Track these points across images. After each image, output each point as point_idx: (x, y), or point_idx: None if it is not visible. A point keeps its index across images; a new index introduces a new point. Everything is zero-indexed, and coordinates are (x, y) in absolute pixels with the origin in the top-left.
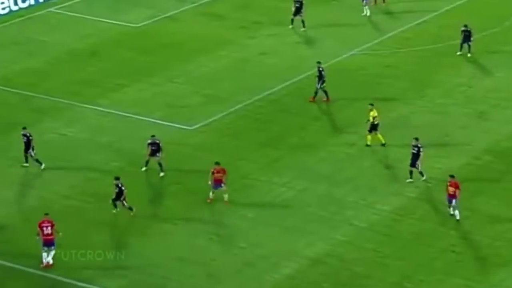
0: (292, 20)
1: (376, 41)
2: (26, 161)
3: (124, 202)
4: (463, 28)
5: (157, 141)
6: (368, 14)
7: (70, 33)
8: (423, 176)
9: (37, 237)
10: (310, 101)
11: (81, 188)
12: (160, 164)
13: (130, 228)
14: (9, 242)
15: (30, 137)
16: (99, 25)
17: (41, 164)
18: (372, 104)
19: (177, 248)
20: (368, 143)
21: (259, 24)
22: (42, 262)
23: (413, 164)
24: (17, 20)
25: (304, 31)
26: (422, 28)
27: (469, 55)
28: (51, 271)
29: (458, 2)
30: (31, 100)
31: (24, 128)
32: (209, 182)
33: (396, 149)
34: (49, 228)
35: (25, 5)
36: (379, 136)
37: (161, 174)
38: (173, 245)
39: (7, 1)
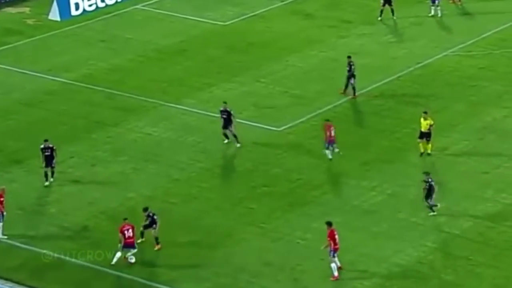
0: (381, 11)
1: (470, 42)
2: (47, 179)
3: (154, 231)
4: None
5: (228, 109)
6: (439, 14)
7: (156, 30)
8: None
9: (119, 244)
10: (341, 93)
11: (165, 189)
12: (234, 136)
13: (216, 230)
14: (92, 243)
15: (54, 149)
16: (186, 22)
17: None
18: (426, 112)
19: (263, 252)
20: (422, 150)
21: (349, 23)
22: (112, 260)
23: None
24: (103, 17)
25: (394, 20)
26: None
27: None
28: (132, 272)
29: None
30: (116, 99)
31: (46, 140)
32: None
33: (491, 154)
34: (130, 230)
35: (112, 2)
36: (429, 145)
37: (238, 145)
38: (259, 249)
39: None
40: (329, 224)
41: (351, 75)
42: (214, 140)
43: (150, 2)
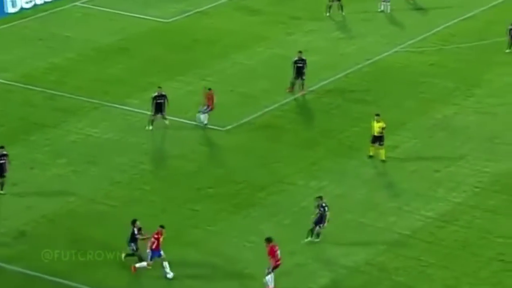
0: (329, 7)
1: (419, 38)
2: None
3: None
4: (510, 27)
5: (164, 93)
6: (388, 10)
7: (97, 28)
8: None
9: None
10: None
11: (106, 192)
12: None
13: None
14: (31, 248)
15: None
16: (128, 20)
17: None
18: (378, 115)
19: (208, 255)
20: (371, 153)
21: (297, 19)
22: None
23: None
24: (41, 14)
25: (343, 16)
26: (468, 24)
27: None
28: (70, 277)
29: None
30: (55, 99)
31: (1, 147)
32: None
33: (441, 152)
34: (160, 234)
35: None
36: (382, 151)
37: (167, 122)
38: (204, 253)
39: None
40: (268, 240)
41: (301, 72)
42: (157, 141)
43: None
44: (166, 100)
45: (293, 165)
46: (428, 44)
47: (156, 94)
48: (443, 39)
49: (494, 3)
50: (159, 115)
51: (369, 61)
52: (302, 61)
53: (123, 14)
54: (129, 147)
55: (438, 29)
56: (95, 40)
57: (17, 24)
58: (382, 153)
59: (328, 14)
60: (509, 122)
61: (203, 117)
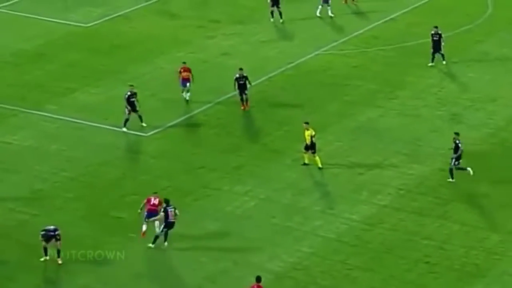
0: (272, 13)
1: (342, 40)
2: None
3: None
4: (432, 32)
5: (135, 91)
6: (330, 14)
7: (13, 34)
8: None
9: (139, 211)
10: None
11: (27, 200)
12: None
13: (83, 241)
14: None
15: None
16: (46, 25)
17: None
18: (307, 123)
19: (134, 263)
20: (306, 161)
21: (217, 22)
22: (142, 232)
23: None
24: None
25: (282, 22)
26: (390, 26)
27: (444, 62)
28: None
29: None
30: None
31: None
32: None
33: (365, 155)
34: (157, 199)
35: None
36: (317, 158)
37: (144, 124)
38: (130, 260)
39: None
40: (258, 279)
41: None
42: (79, 148)
43: (6, 3)
44: (136, 98)
45: (217, 170)
46: (350, 46)
47: (129, 93)
48: (366, 41)
49: (415, 5)
50: (133, 114)
51: (292, 64)
52: (244, 77)
53: (42, 19)
54: (50, 155)
55: (361, 31)
56: (13, 45)
57: None
58: (317, 160)
59: (272, 19)
60: (432, 124)
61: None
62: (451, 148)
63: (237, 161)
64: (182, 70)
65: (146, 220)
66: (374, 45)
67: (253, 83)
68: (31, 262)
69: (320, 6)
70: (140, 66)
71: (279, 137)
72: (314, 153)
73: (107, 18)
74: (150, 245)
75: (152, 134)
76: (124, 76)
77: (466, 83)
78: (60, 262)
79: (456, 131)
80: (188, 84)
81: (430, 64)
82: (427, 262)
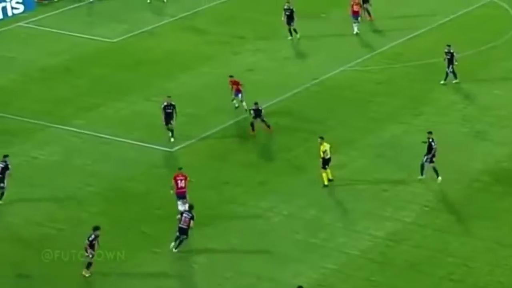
0: (290, 30)
1: (366, 56)
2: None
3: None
4: (446, 50)
5: (173, 103)
6: (357, 31)
7: (41, 49)
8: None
9: (171, 191)
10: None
11: (52, 215)
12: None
13: (107, 256)
14: None
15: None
16: (72, 40)
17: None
18: (322, 138)
19: (157, 277)
20: (326, 183)
21: (242, 38)
22: (179, 212)
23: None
24: None
25: (298, 39)
26: (415, 43)
27: (455, 81)
28: None
29: (452, 16)
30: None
31: (5, 155)
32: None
33: (390, 171)
34: (183, 181)
35: None
36: (328, 171)
37: (172, 139)
38: (153, 274)
39: None
40: None
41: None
42: (104, 163)
43: (34, 19)
44: (174, 110)
45: (242, 186)
46: (375, 63)
47: (165, 103)
48: (391, 58)
49: (440, 21)
50: (169, 125)
51: (316, 80)
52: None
53: (68, 34)
54: (76, 169)
55: (385, 48)
56: (40, 60)
57: None
58: (328, 173)
59: (290, 38)
60: (457, 141)
61: (241, 102)
62: (424, 143)
63: (261, 176)
64: (231, 83)
65: (179, 203)
66: (399, 61)
67: (277, 99)
68: (56, 277)
69: (355, 24)
70: (165, 81)
71: (303, 153)
72: (327, 167)
73: (132, 33)
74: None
75: (177, 149)
76: (149, 91)
77: (491, 100)
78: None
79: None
80: (240, 95)
81: (441, 82)
82: (451, 280)
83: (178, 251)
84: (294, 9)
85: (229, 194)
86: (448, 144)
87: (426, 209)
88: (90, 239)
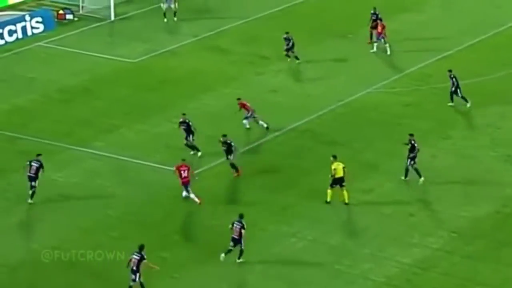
0: (287, 56)
1: (393, 78)
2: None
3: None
4: (449, 74)
5: (187, 120)
6: (388, 52)
7: (60, 69)
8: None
9: (179, 179)
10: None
11: (72, 239)
12: (193, 146)
13: (125, 281)
14: None
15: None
16: (93, 60)
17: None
18: (335, 157)
19: None
20: (328, 199)
21: (266, 59)
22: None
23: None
24: (3, 55)
25: (299, 63)
26: (444, 64)
27: (468, 105)
28: None
29: (483, 36)
30: (18, 142)
31: (38, 154)
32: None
33: (417, 196)
34: (186, 171)
35: (12, 38)
36: (345, 192)
37: (199, 154)
38: None
39: None
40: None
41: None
42: (124, 186)
43: (54, 38)
44: (190, 127)
45: (263, 210)
46: (402, 84)
47: (181, 119)
48: (419, 79)
49: (470, 42)
50: (187, 141)
51: (342, 102)
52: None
53: (88, 54)
54: (95, 192)
55: (413, 69)
56: (59, 81)
57: None
58: (344, 195)
59: (298, 61)
60: (486, 165)
61: (245, 122)
62: (406, 144)
63: (285, 200)
64: (240, 106)
65: (189, 190)
66: (427, 83)
67: (302, 121)
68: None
69: (375, 44)
70: (187, 102)
71: (327, 176)
72: (343, 187)
73: (154, 53)
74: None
75: (199, 172)
76: (171, 113)
77: None
78: None
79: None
80: (253, 115)
81: (449, 104)
82: None
83: (242, 260)
84: (293, 39)
85: (251, 218)
86: (477, 168)
87: (454, 235)
88: (136, 258)
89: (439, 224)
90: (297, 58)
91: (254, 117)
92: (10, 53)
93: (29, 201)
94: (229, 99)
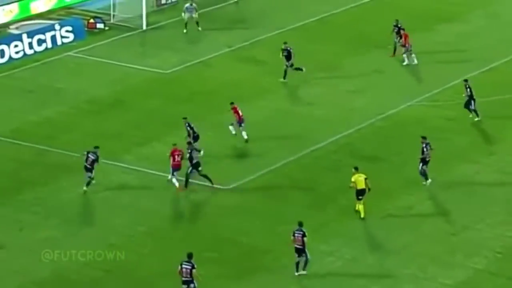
0: (285, 71)
1: (436, 91)
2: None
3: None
4: (465, 83)
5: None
6: (414, 61)
7: (90, 79)
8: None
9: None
10: None
11: (102, 255)
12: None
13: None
14: None
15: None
16: (124, 70)
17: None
18: (356, 168)
19: None
20: (362, 215)
21: (303, 70)
22: (177, 187)
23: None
24: (31, 65)
25: (301, 70)
26: (488, 77)
27: (477, 119)
28: None
29: None
30: (46, 155)
31: (96, 147)
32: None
33: (460, 214)
34: (179, 155)
35: (41, 48)
36: (361, 206)
37: (201, 153)
38: None
39: (21, 44)
40: None
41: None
42: (155, 201)
43: (84, 48)
44: (193, 129)
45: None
46: (445, 97)
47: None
48: (462, 92)
49: None
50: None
51: (382, 116)
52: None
53: (119, 65)
54: (125, 207)
55: (457, 82)
56: (89, 92)
57: (5, 76)
58: (361, 209)
59: (284, 80)
60: None
61: (232, 128)
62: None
63: (322, 218)
64: (233, 111)
65: (174, 174)
66: None
67: (340, 135)
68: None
69: (405, 55)
70: (220, 115)
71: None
72: (360, 199)
73: (187, 64)
74: None
75: (232, 188)
76: (204, 125)
77: None
78: None
79: None
80: (243, 124)
81: (476, 119)
82: None
83: (305, 272)
84: (291, 50)
85: (286, 237)
86: None
87: (499, 255)
88: (187, 268)
89: (483, 244)
90: (300, 69)
91: (241, 126)
92: (38, 63)
93: (84, 188)
94: (265, 111)
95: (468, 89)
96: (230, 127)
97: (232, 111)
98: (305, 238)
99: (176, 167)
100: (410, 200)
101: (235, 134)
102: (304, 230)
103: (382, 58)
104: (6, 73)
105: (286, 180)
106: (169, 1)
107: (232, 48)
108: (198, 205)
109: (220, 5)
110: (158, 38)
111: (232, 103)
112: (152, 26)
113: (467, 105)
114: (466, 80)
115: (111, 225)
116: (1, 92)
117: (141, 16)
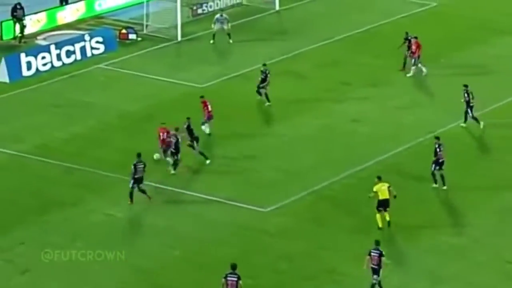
0: (265, 94)
1: (491, 108)
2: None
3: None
4: (465, 89)
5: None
6: (424, 71)
7: (121, 93)
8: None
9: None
10: None
11: (130, 282)
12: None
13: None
14: None
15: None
16: (157, 84)
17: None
18: (379, 178)
19: None
20: (380, 225)
21: (348, 85)
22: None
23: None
24: (59, 78)
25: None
26: None
27: (481, 126)
28: None
29: None
30: (74, 173)
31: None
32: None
33: None
34: (165, 133)
35: (70, 60)
36: (386, 214)
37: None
38: None
39: (48, 56)
40: None
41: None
42: (190, 223)
43: (115, 60)
44: (192, 131)
45: (344, 252)
46: (501, 115)
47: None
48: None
49: None
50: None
51: (432, 134)
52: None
53: (152, 78)
54: (157, 230)
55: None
56: (120, 106)
57: (32, 89)
58: (387, 216)
59: (268, 104)
60: None
61: (204, 128)
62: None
63: (367, 242)
64: (203, 105)
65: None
66: None
67: (387, 154)
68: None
69: (413, 67)
70: (259, 131)
71: (416, 217)
72: (386, 210)
73: (224, 78)
74: None
75: (272, 210)
76: (241, 143)
77: None
78: None
79: None
80: (211, 120)
81: (461, 124)
82: None
83: None
84: (269, 73)
85: (329, 262)
86: None
87: None
88: (233, 279)
89: None
90: (267, 98)
91: (206, 122)
92: (66, 76)
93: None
94: (307, 129)
95: (466, 94)
96: (203, 127)
97: (201, 105)
98: (383, 258)
99: (168, 146)
100: (462, 224)
101: (210, 134)
102: (381, 250)
103: (435, 73)
104: (33, 86)
105: (329, 202)
106: (206, 11)
107: (272, 61)
108: (235, 228)
109: (260, 14)
110: (193, 50)
111: (202, 96)
112: (187, 37)
113: (466, 113)
114: (466, 86)
115: (142, 249)
116: (27, 106)
117: (176, 27)
